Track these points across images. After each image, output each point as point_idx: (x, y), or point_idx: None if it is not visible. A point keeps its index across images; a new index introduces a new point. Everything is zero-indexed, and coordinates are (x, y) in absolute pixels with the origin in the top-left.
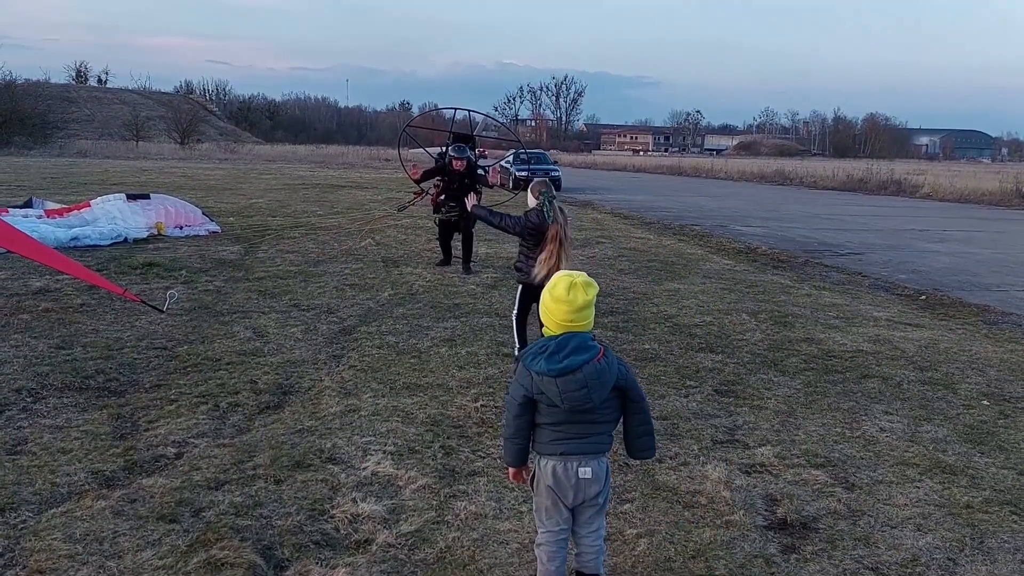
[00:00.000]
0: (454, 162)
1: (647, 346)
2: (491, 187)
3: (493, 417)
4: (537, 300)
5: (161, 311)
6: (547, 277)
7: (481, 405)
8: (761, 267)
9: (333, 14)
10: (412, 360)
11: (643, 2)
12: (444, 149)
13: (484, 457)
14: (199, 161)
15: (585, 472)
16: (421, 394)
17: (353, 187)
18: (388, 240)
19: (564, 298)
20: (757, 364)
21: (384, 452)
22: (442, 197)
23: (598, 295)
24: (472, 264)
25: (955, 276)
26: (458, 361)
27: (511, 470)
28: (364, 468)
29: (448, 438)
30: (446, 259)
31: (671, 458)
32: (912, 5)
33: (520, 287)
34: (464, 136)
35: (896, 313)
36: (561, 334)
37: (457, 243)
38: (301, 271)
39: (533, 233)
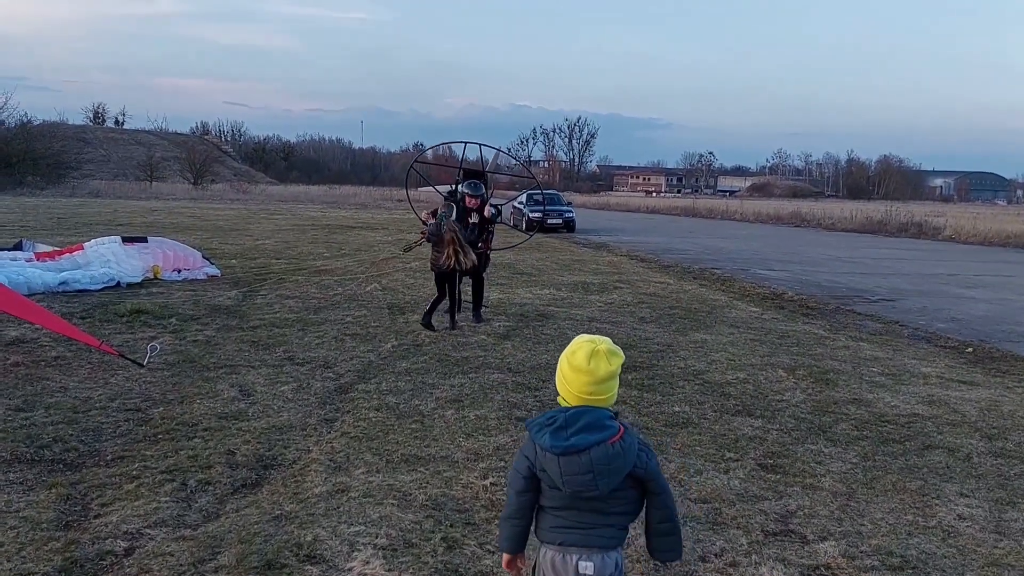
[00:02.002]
0: (468, 199)
1: (677, 408)
2: (491, 222)
3: (505, 499)
4: (447, 283)
5: (141, 365)
6: (454, 264)
7: (491, 483)
8: (790, 315)
9: (349, 57)
10: (413, 426)
11: (655, 45)
12: (454, 187)
13: (493, 552)
14: (210, 201)
15: (586, 568)
16: (422, 469)
17: (363, 228)
18: (395, 284)
19: (584, 367)
20: (803, 431)
21: (375, 547)
22: None
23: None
24: (483, 311)
25: (998, 326)
26: (465, 427)
27: (506, 557)
28: (349, 570)
29: (451, 526)
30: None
31: (716, 555)
32: (925, 48)
33: (434, 273)
34: (476, 172)
35: (944, 368)
36: (575, 407)
37: (467, 287)
38: (300, 319)
39: (432, 239)
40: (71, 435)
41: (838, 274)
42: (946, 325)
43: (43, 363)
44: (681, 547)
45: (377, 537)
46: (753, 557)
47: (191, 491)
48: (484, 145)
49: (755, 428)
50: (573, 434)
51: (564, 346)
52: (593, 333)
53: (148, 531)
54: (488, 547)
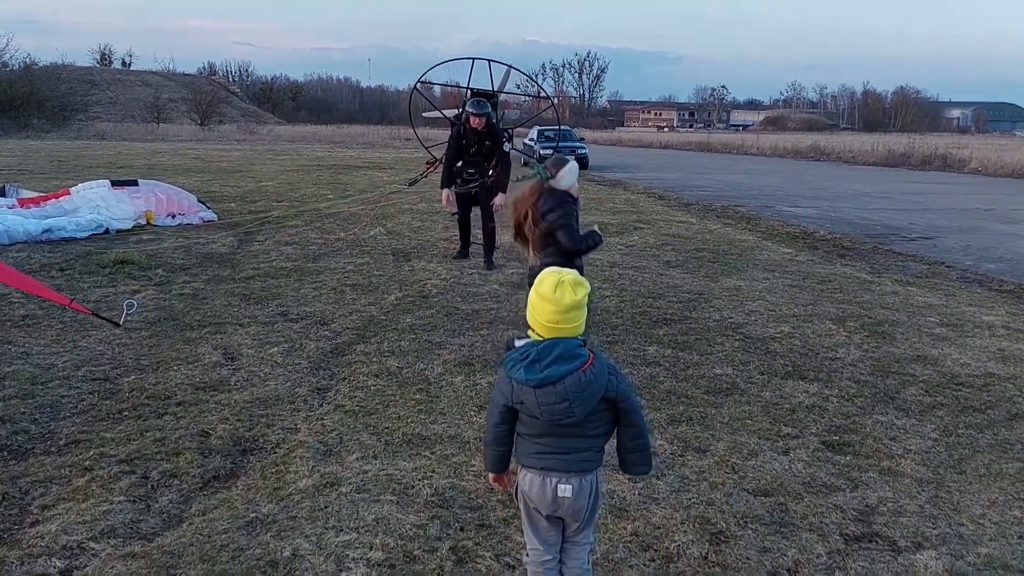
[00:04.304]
0: (472, 119)
1: (719, 371)
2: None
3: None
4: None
5: (117, 325)
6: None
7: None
8: (826, 256)
9: None
10: (417, 396)
11: None
12: (461, 109)
13: (513, 567)
14: (217, 143)
15: (565, 491)
16: (427, 453)
17: (370, 168)
18: (400, 228)
19: (550, 296)
20: (867, 398)
21: (368, 563)
22: (459, 164)
23: (647, 298)
24: (495, 257)
25: None
26: (477, 397)
27: (491, 476)
28: None
29: (461, 530)
30: (464, 250)
31: (789, 571)
32: None
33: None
34: (485, 93)
35: (1007, 316)
36: (546, 339)
37: (477, 229)
38: (297, 268)
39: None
40: (23, 413)
41: (868, 210)
42: (995, 266)
43: (8, 324)
44: (651, 461)
45: (371, 548)
46: (837, 574)
47: (152, 487)
48: (493, 61)
49: (811, 395)
50: (546, 366)
51: None
52: (615, 280)
53: (92, 544)
54: (506, 559)
